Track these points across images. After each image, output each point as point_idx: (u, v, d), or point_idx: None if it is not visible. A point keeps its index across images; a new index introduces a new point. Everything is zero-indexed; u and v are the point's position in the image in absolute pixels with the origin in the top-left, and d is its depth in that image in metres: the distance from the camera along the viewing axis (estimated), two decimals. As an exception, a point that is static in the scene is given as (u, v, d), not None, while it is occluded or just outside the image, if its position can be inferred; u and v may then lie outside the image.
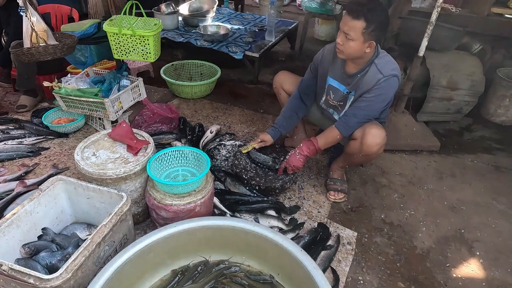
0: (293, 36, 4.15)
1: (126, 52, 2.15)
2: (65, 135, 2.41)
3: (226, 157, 2.24)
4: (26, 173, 2.06)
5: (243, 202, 1.84)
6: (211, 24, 3.61)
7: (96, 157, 1.61)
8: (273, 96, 3.21)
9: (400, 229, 1.88)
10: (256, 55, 3.17)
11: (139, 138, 1.71)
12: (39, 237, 1.52)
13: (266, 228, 1.43)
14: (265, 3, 4.91)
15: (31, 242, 1.46)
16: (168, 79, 2.90)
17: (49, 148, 2.29)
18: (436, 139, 2.58)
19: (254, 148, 2.07)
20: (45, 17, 3.01)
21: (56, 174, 2.07)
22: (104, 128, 2.43)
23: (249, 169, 2.02)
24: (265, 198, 1.90)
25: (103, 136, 1.74)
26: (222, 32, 3.47)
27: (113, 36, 2.09)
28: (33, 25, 1.94)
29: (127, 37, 2.08)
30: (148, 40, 2.09)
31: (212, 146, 2.34)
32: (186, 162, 1.72)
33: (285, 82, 2.23)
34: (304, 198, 2.02)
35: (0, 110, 2.65)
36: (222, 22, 3.90)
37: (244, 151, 2.05)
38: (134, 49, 2.14)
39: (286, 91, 2.24)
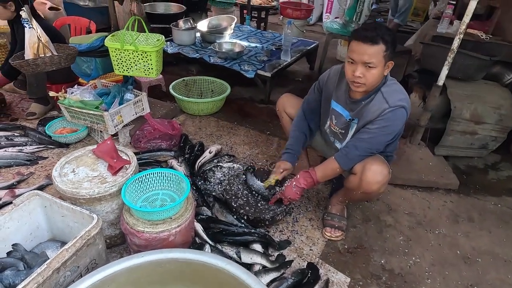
0: (313, 57, 4.04)
1: (128, 68, 2.13)
2: (66, 145, 2.41)
3: (220, 181, 2.13)
4: (19, 181, 2.05)
5: (228, 232, 1.71)
6: (226, 41, 3.58)
7: (74, 174, 1.55)
8: (281, 118, 3.12)
9: (401, 279, 1.67)
10: (268, 74, 3.09)
11: (122, 157, 1.64)
12: (8, 254, 1.47)
13: (240, 267, 1.29)
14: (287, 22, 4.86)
15: (-3, 259, 1.41)
16: (175, 94, 2.87)
17: (48, 157, 2.29)
18: (454, 176, 2.33)
19: (277, 180, 1.90)
20: (65, 29, 3.12)
21: (47, 185, 2.05)
22: (104, 141, 2.41)
23: (240, 196, 1.90)
24: (252, 230, 1.76)
25: (88, 152, 1.69)
26: (236, 49, 3.42)
27: (114, 52, 2.08)
28: (40, 36, 1.97)
29: (129, 53, 2.06)
30: (150, 56, 2.06)
31: (208, 168, 2.24)
32: (167, 185, 1.63)
33: (288, 105, 2.12)
34: (297, 233, 1.86)
35: (11, 116, 2.72)
36: (241, 39, 3.86)
37: (266, 186, 1.90)
38: (136, 65, 2.11)
39: (289, 114, 2.12)
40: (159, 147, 2.41)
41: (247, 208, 1.82)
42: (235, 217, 1.81)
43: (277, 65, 3.25)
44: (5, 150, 2.24)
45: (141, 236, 1.42)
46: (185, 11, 3.97)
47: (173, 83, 3.02)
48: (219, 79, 3.16)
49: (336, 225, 1.87)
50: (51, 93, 2.35)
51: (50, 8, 3.74)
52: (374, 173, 1.58)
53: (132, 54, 2.07)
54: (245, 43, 3.64)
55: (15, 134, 2.46)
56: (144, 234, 1.42)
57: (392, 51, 1.51)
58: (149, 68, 2.11)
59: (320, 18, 6.32)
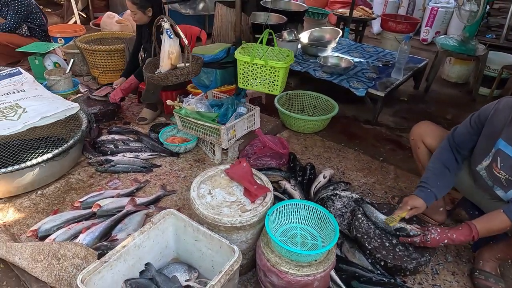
0: (420, 75, 3.67)
1: (252, 82, 2.03)
2: (176, 154, 2.39)
3: (341, 212, 1.92)
4: (137, 189, 2.05)
5: (365, 280, 1.49)
6: (331, 55, 3.39)
7: (211, 196, 1.46)
8: (394, 142, 2.82)
9: None
10: (381, 94, 2.82)
11: (258, 182, 1.52)
12: (141, 273, 1.41)
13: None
14: (388, 36, 4.54)
15: (133, 279, 1.35)
16: (282, 109, 2.74)
17: (161, 166, 2.28)
18: None
19: (403, 218, 1.64)
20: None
21: (164, 196, 2.02)
22: (214, 154, 2.35)
23: (373, 236, 1.67)
24: (392, 280, 1.52)
25: (220, 172, 1.60)
26: (343, 65, 3.21)
27: (242, 65, 1.99)
28: (183, 44, 1.94)
29: (257, 67, 1.96)
30: (278, 71, 1.94)
31: (325, 195, 2.04)
32: (305, 219, 1.46)
33: (428, 135, 1.85)
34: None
35: (124, 119, 2.80)
36: (342, 53, 3.64)
37: (391, 224, 1.63)
38: (261, 80, 2.00)
39: (427, 145, 1.85)
40: (269, 165, 2.28)
41: (384, 252, 1.58)
42: (369, 261, 1.58)
43: (389, 84, 2.97)
44: (123, 155, 2.28)
45: (284, 278, 1.27)
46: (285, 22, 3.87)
47: (277, 96, 2.90)
48: (324, 95, 2.97)
49: (492, 287, 1.54)
50: (169, 102, 2.35)
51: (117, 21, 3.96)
52: None
53: (260, 68, 1.96)
54: (348, 58, 3.41)
55: (129, 138, 2.51)
56: (287, 275, 1.26)
57: None
58: (274, 84, 1.99)
59: (417, 32, 5.84)
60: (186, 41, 1.87)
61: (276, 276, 1.29)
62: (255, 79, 2.01)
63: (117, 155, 2.27)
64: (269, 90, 2.03)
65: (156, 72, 2.08)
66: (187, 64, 1.91)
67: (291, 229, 1.44)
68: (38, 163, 1.83)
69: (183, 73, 1.90)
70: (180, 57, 2.05)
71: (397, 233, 1.63)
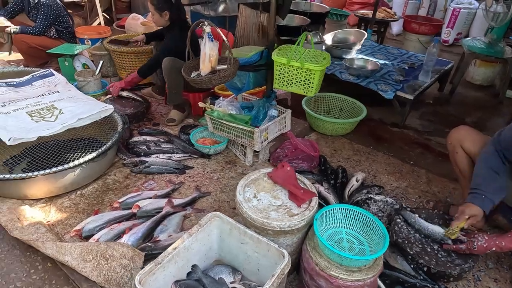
0: (445, 77, 3.63)
1: (288, 83, 2.04)
2: (207, 156, 2.41)
3: (378, 217, 1.91)
4: (173, 190, 2.08)
5: (409, 286, 1.49)
6: (357, 57, 3.38)
7: (257, 200, 1.47)
8: (423, 146, 2.80)
9: None
10: (410, 97, 2.80)
11: (302, 186, 1.52)
12: (188, 274, 1.43)
13: None
14: (411, 38, 4.49)
15: (182, 280, 1.37)
16: (310, 111, 2.74)
17: (193, 167, 2.30)
18: None
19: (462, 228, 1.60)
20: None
21: (199, 197, 2.04)
22: (245, 156, 2.36)
23: (413, 241, 1.66)
24: (436, 286, 1.51)
25: (262, 176, 1.61)
26: (370, 67, 3.20)
27: (279, 66, 2.00)
28: (228, 44, 1.96)
29: (294, 69, 1.97)
30: (314, 74, 1.94)
31: (359, 198, 2.04)
32: (350, 224, 1.46)
33: (467, 140, 1.83)
34: (482, 295, 1.57)
35: (153, 120, 2.84)
36: (366, 55, 3.62)
37: (452, 237, 1.59)
38: (297, 82, 2.01)
39: (466, 150, 1.83)
40: (301, 168, 2.28)
41: (427, 258, 1.58)
42: (411, 266, 1.58)
43: (417, 86, 2.95)
44: (157, 156, 2.31)
45: (334, 282, 1.27)
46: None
47: (305, 98, 2.90)
48: (350, 98, 2.96)
49: (538, 296, 1.53)
50: (200, 104, 2.37)
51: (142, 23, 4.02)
52: None
53: (296, 70, 1.97)
54: (373, 60, 3.39)
55: (161, 139, 2.53)
56: (337, 280, 1.27)
57: None
58: (309, 86, 2.00)
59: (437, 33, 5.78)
60: (228, 43, 1.89)
61: (325, 281, 1.29)
62: (291, 80, 2.02)
63: (150, 157, 2.30)
64: (304, 92, 2.04)
65: (193, 75, 2.10)
66: (229, 67, 1.93)
67: (337, 234, 1.45)
68: (80, 164, 1.86)
69: (226, 75, 1.92)
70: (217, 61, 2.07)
71: (441, 241, 1.63)
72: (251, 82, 2.30)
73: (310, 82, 2.00)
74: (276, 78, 2.06)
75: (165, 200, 1.93)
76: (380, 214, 1.93)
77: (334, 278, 1.27)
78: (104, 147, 1.99)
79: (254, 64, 2.23)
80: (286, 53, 2.03)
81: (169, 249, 1.32)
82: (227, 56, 2.26)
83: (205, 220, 1.45)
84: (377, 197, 2.05)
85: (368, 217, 1.41)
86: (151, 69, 2.73)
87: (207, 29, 1.85)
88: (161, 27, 2.77)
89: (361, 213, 1.43)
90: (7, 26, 3.31)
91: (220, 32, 1.88)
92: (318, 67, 1.93)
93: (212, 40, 1.90)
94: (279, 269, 1.23)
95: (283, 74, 2.02)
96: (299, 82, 2.02)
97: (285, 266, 1.26)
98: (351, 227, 1.47)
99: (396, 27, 5.63)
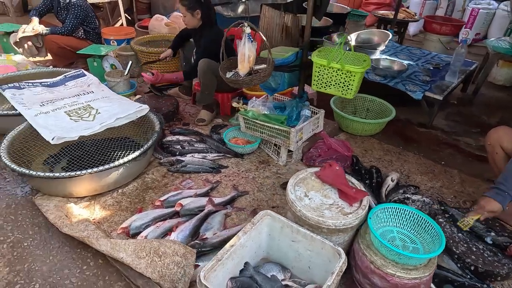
0: (469, 78, 3.63)
1: (326, 85, 2.06)
2: (240, 155, 2.44)
3: (418, 216, 1.92)
4: (211, 189, 2.10)
5: (458, 285, 1.50)
6: (383, 58, 3.38)
7: (309, 199, 1.49)
8: (452, 146, 2.80)
9: None
10: (439, 97, 2.81)
11: (351, 186, 1.54)
12: (240, 271, 1.46)
13: None
14: (431, 38, 4.49)
15: (237, 277, 1.40)
16: (339, 111, 2.75)
17: (228, 166, 2.33)
18: None
19: (478, 220, 1.61)
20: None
21: (237, 196, 2.06)
22: (278, 156, 2.38)
23: (458, 240, 1.67)
24: (485, 285, 1.52)
25: (310, 175, 1.63)
26: (396, 67, 3.20)
27: (318, 68, 2.02)
28: (268, 45, 1.97)
29: (333, 71, 1.99)
30: (354, 76, 1.96)
31: (397, 198, 2.05)
32: (400, 223, 1.48)
33: (506, 140, 1.84)
34: (529, 295, 1.57)
35: (182, 120, 2.87)
36: (389, 55, 3.63)
37: (465, 228, 1.63)
38: (336, 83, 2.03)
39: (506, 149, 1.84)
40: (335, 168, 2.30)
41: (474, 257, 1.59)
42: (458, 265, 1.59)
43: (445, 87, 2.95)
44: (192, 156, 2.34)
45: (391, 280, 1.29)
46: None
47: (333, 98, 2.92)
48: (378, 98, 2.97)
49: None
50: (234, 104, 2.40)
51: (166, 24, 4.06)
52: None
53: (336, 72, 1.99)
54: (398, 60, 3.40)
55: (193, 139, 2.56)
56: (394, 278, 1.29)
57: None
58: (348, 88, 2.01)
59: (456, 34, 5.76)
60: (268, 44, 1.91)
61: (381, 278, 1.31)
62: (330, 82, 2.04)
63: (185, 156, 2.33)
64: (342, 94, 2.06)
65: (229, 76, 2.13)
66: (268, 66, 1.95)
67: (388, 232, 1.46)
68: (125, 163, 1.90)
69: (266, 75, 1.95)
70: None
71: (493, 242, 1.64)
72: (286, 82, 2.32)
73: (349, 84, 2.01)
74: (314, 80, 2.08)
75: (206, 198, 1.96)
76: (419, 214, 1.94)
77: (390, 276, 1.29)
78: (146, 146, 2.03)
79: (290, 64, 2.25)
80: (326, 54, 2.04)
81: (227, 246, 1.34)
82: (262, 56, 2.29)
83: (257, 218, 1.47)
84: (414, 197, 2.06)
85: (421, 217, 1.43)
86: (196, 73, 2.65)
87: (247, 30, 1.87)
88: (193, 27, 2.76)
89: (413, 212, 1.44)
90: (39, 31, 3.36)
91: (261, 34, 1.90)
92: (359, 69, 1.94)
93: (251, 41, 1.92)
94: (338, 267, 1.25)
95: (322, 75, 2.03)
96: (338, 84, 2.03)
97: (342, 263, 1.28)
98: (401, 226, 1.48)
99: (413, 28, 5.62)
